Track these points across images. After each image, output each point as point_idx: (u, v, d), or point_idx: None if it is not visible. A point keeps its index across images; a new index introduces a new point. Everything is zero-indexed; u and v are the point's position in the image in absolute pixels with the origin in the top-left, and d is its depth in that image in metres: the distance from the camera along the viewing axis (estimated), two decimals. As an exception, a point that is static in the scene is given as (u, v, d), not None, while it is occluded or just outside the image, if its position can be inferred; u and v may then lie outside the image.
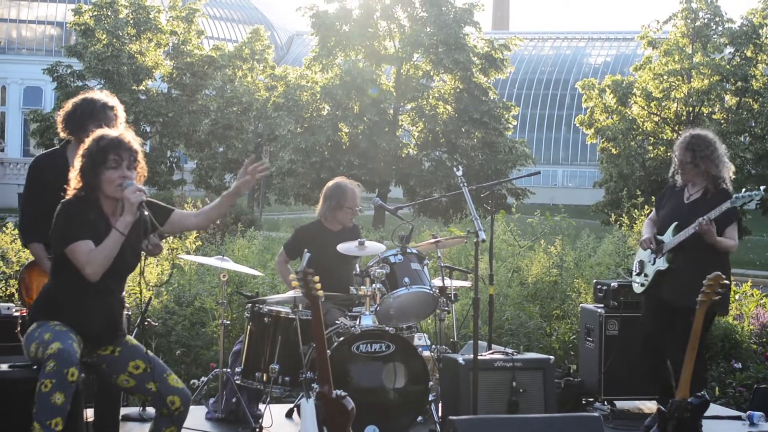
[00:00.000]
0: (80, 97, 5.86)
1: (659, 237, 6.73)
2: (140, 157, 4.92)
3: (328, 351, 5.77)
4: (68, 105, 5.85)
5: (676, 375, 6.37)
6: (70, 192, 4.88)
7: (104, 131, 4.94)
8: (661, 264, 6.64)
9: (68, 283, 4.81)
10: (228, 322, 6.91)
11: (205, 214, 5.13)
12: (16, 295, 7.97)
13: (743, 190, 6.51)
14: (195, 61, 33.59)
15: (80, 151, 4.89)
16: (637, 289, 6.95)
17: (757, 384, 8.01)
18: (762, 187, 6.48)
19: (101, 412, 5.80)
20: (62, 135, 5.89)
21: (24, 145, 50.88)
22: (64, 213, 4.79)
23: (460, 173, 6.63)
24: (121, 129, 5.07)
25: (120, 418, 6.00)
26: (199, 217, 5.14)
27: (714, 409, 7.24)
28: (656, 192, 26.20)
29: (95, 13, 33.09)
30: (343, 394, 5.53)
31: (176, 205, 18.78)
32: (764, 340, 9.38)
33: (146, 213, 4.78)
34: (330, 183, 7.28)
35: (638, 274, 6.93)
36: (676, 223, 6.60)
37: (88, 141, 4.89)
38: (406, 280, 6.60)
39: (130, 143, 4.87)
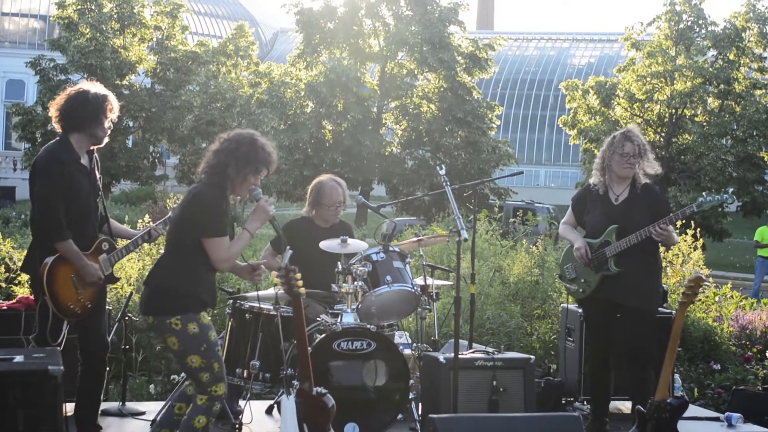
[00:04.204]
0: (84, 90, 5.61)
1: (591, 241, 6.65)
2: None
3: (309, 348, 5.77)
4: (72, 99, 5.57)
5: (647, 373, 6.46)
6: (204, 178, 5.14)
7: (265, 140, 5.30)
8: (609, 269, 6.54)
9: (200, 261, 5.05)
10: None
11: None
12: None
13: (705, 194, 6.47)
14: (179, 57, 33.51)
15: (232, 147, 5.14)
16: (578, 295, 6.84)
17: (735, 385, 8.06)
18: (730, 190, 6.49)
19: (81, 407, 5.79)
20: (59, 129, 5.60)
21: (6, 139, 50.62)
22: (211, 202, 5.06)
23: (443, 172, 6.61)
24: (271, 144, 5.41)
25: (99, 412, 5.98)
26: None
27: (692, 410, 7.27)
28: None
29: (79, 6, 32.96)
30: (324, 391, 5.52)
31: (158, 201, 18.61)
32: (743, 341, 9.44)
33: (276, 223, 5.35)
34: (314, 180, 7.28)
35: (573, 279, 6.82)
36: (615, 225, 6.52)
37: (248, 142, 5.19)
38: (388, 278, 6.59)
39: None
